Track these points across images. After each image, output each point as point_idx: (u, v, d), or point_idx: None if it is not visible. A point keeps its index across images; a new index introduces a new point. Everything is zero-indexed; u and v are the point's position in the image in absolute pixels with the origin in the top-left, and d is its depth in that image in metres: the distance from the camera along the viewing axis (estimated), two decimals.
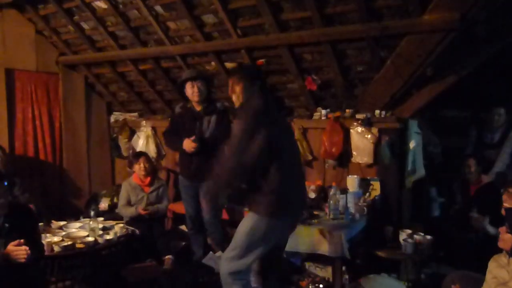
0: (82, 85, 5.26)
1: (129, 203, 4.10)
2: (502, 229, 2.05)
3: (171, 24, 4.04)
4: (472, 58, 3.46)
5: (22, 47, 4.70)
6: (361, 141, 3.86)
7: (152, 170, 4.20)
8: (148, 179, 4.12)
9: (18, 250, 2.33)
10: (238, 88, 2.57)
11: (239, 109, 2.58)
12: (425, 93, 3.70)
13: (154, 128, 5.16)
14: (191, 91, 3.56)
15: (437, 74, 3.54)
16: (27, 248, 2.33)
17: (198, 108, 3.59)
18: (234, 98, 2.61)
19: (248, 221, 2.52)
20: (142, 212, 3.92)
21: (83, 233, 3.37)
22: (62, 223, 3.66)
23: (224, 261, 2.55)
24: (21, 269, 2.37)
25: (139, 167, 4.07)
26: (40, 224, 3.19)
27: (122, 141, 5.37)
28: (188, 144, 3.48)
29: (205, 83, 3.58)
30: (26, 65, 4.76)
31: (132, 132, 5.34)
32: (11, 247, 2.35)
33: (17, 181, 4.03)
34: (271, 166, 2.42)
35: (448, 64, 3.47)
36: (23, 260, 2.32)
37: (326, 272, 3.65)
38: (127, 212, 4.02)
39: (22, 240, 2.35)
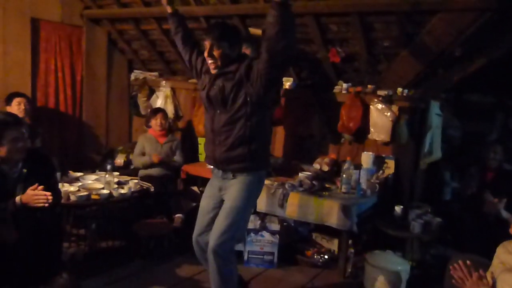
0: (105, 40, 5.26)
1: (143, 155, 4.24)
2: None
3: None
4: (504, 42, 3.35)
5: None
6: (380, 118, 3.81)
7: (168, 127, 4.35)
8: (163, 132, 4.34)
9: (38, 195, 2.40)
10: (216, 54, 2.42)
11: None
12: (451, 74, 3.62)
13: (173, 89, 5.17)
14: None
15: (465, 55, 3.44)
16: (47, 193, 2.40)
17: None
18: (210, 62, 2.46)
19: (244, 190, 2.47)
20: (156, 160, 4.04)
21: (99, 185, 3.45)
22: (78, 174, 3.76)
23: (225, 243, 2.42)
24: (38, 215, 2.45)
25: (156, 122, 4.26)
26: (58, 173, 3.27)
27: (141, 100, 5.40)
28: None
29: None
30: (52, 16, 4.76)
31: (151, 91, 5.36)
32: (30, 191, 2.42)
33: (40, 132, 4.11)
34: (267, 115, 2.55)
35: (478, 46, 3.37)
36: (42, 204, 2.39)
37: (332, 244, 3.71)
38: (140, 160, 4.17)
39: (41, 186, 2.42)
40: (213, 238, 2.43)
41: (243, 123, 2.42)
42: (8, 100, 3.99)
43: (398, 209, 3.47)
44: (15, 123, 2.51)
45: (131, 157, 4.61)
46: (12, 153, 2.48)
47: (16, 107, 3.92)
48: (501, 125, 4.15)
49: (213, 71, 2.48)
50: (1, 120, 2.49)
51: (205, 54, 2.46)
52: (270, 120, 2.65)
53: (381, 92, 3.82)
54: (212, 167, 2.67)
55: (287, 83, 4.31)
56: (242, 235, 2.76)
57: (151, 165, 4.14)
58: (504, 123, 4.13)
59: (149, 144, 4.28)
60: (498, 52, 3.38)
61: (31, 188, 2.41)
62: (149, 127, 4.48)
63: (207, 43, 2.43)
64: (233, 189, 2.50)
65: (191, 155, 4.95)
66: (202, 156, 4.72)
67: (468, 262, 2.00)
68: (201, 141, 4.77)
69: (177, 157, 4.32)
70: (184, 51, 2.76)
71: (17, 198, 2.44)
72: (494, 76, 3.94)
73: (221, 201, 2.58)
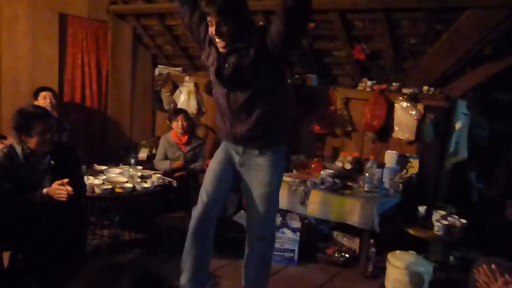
0: (130, 36, 5.33)
1: (165, 158, 4.23)
2: None
3: None
4: None
5: None
6: (405, 116, 3.75)
7: (191, 127, 4.25)
8: (186, 137, 4.18)
9: (60, 189, 2.46)
10: (225, 30, 2.08)
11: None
12: (479, 72, 3.52)
13: (196, 85, 5.20)
14: None
15: (495, 53, 3.35)
16: (69, 188, 2.47)
17: None
18: (218, 40, 2.13)
19: (273, 173, 2.33)
20: (176, 166, 4.03)
21: (123, 179, 3.51)
22: (103, 167, 3.82)
23: (269, 226, 2.41)
24: (63, 206, 2.51)
25: (177, 124, 4.12)
26: (83, 167, 3.34)
27: (165, 95, 5.46)
28: None
29: None
30: (79, 11, 4.84)
31: (175, 87, 5.40)
32: (55, 185, 2.48)
33: (67, 127, 4.20)
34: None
35: (508, 44, 3.27)
36: (63, 199, 2.46)
37: (353, 243, 3.68)
38: (162, 165, 4.14)
39: (66, 180, 2.48)
40: (257, 225, 2.38)
41: (266, 100, 2.21)
42: (35, 94, 4.08)
43: (421, 209, 3.42)
44: (44, 116, 2.58)
45: (154, 151, 4.65)
46: (41, 144, 2.55)
47: (42, 101, 4.00)
48: None
49: (223, 50, 2.16)
50: (30, 112, 2.56)
51: (212, 32, 2.11)
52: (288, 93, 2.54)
53: (406, 90, 3.76)
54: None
55: (310, 80, 4.29)
56: (278, 209, 2.66)
57: (173, 170, 4.10)
58: None
59: (171, 151, 4.18)
60: None
61: (57, 182, 2.48)
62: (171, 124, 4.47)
63: (212, 20, 2.07)
64: (261, 173, 2.33)
65: (214, 150, 4.97)
66: None
67: (493, 266, 1.95)
68: None
69: (200, 161, 4.24)
70: (182, 11, 2.34)
71: (44, 190, 2.50)
72: None
73: (237, 172, 2.41)
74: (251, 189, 2.38)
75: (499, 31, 3.04)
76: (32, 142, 2.54)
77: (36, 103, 3.98)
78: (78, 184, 2.63)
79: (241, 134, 2.31)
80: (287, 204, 3.48)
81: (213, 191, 2.40)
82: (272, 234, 2.48)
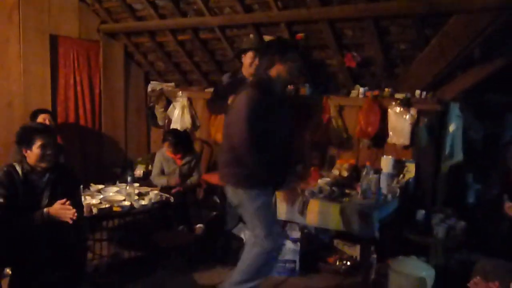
0: (121, 54, 5.35)
1: (162, 173, 4.22)
2: None
3: None
4: None
5: (66, 14, 4.80)
6: (399, 121, 3.77)
7: (184, 144, 4.23)
8: (180, 154, 4.19)
9: (67, 209, 2.44)
10: None
11: None
12: (470, 75, 3.56)
13: (189, 99, 5.21)
14: (251, 61, 3.53)
15: (484, 56, 3.39)
16: (73, 210, 2.45)
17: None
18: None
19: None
20: (174, 183, 4.02)
21: (120, 197, 3.49)
22: (100, 186, 3.81)
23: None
24: (63, 227, 2.49)
25: (167, 148, 4.16)
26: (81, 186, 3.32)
27: (159, 111, 5.46)
28: None
29: None
30: (69, 32, 4.86)
31: (168, 102, 5.41)
32: (58, 205, 2.46)
33: (63, 148, 4.18)
34: None
35: (497, 47, 3.31)
36: (69, 220, 2.44)
37: (354, 251, 3.67)
38: (159, 181, 4.13)
39: (68, 201, 2.47)
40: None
41: None
42: (33, 116, 4.07)
43: (420, 213, 3.42)
44: (45, 131, 2.60)
45: (150, 168, 4.64)
46: (40, 159, 2.54)
47: None
48: None
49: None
50: (31, 127, 2.64)
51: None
52: None
53: (398, 96, 3.79)
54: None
55: (304, 89, 4.31)
56: None
57: (170, 187, 4.09)
58: None
59: (167, 166, 4.19)
60: None
61: (59, 202, 2.46)
62: None
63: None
64: None
65: (210, 164, 4.97)
66: None
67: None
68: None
69: (195, 175, 4.25)
70: None
71: (45, 210, 2.48)
72: None
73: None
74: None
75: (486, 34, 3.08)
76: (32, 157, 2.54)
77: None
78: (77, 204, 2.62)
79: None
80: (286, 214, 3.46)
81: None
82: None
